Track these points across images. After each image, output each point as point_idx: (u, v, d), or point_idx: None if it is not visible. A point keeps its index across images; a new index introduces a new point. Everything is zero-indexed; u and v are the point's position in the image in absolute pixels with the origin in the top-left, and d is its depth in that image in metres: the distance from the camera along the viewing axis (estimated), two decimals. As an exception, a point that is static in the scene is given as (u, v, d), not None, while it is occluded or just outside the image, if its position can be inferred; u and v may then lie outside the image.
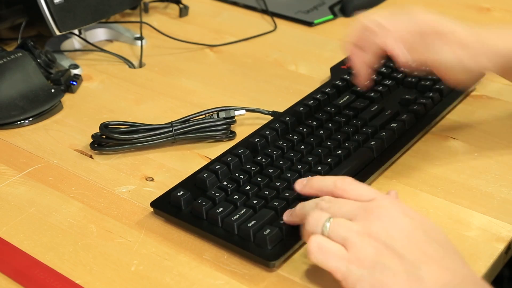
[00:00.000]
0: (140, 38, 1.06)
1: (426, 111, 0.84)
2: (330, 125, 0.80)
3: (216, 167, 0.73)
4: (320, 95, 0.85)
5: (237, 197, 0.69)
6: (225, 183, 0.72)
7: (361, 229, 0.57)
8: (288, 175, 0.72)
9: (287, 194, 0.69)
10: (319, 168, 0.73)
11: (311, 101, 0.84)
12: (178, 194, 0.70)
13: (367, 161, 0.76)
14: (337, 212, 0.60)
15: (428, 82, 0.87)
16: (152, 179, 0.77)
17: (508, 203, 0.73)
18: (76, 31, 1.03)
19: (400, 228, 0.57)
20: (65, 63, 0.99)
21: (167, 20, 1.15)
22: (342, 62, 0.94)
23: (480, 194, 0.74)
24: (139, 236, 0.69)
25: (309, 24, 1.11)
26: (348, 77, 0.88)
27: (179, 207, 0.70)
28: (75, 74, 0.96)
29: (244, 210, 0.68)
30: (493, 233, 0.69)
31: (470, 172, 0.77)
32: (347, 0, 1.15)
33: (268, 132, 0.79)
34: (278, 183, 0.71)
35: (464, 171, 0.77)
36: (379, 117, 0.81)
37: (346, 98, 0.85)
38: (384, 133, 0.78)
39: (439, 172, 0.77)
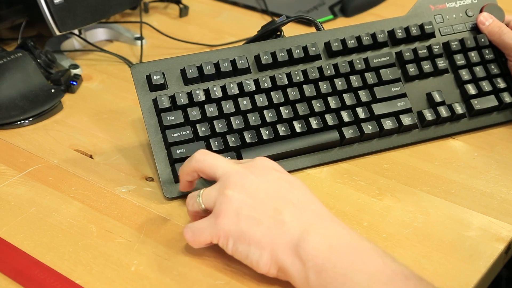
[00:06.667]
0: (140, 38, 1.06)
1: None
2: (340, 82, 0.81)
3: None
4: None
5: None
6: None
7: (229, 186, 0.61)
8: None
9: None
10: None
11: None
12: None
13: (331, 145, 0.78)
14: (209, 166, 0.64)
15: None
16: (152, 179, 0.77)
17: (508, 203, 0.73)
18: (76, 31, 1.03)
19: (265, 179, 0.62)
20: (65, 63, 0.99)
21: (167, 20, 1.15)
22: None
23: (480, 194, 0.74)
24: (139, 236, 0.69)
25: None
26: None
27: None
28: (75, 74, 0.96)
29: None
30: (493, 233, 0.69)
31: (470, 172, 0.77)
32: (347, 0, 1.15)
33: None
34: None
35: (464, 171, 0.77)
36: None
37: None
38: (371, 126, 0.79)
39: (439, 172, 0.77)
